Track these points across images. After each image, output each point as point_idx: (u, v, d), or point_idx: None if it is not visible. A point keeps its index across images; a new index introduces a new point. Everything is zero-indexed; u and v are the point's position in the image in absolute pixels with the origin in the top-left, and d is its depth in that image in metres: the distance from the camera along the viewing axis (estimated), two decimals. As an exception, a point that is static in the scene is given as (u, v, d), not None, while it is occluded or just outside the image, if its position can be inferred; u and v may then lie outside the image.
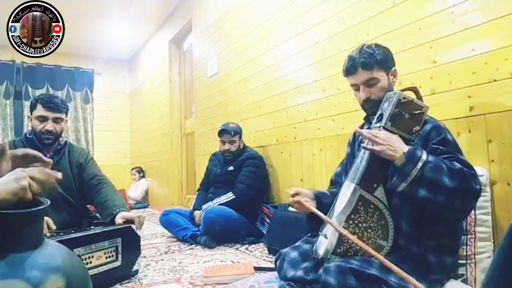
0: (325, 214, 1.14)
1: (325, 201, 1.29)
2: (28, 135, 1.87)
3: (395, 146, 1.04)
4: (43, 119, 1.81)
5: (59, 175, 0.80)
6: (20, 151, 0.85)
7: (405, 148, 1.03)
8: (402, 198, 1.08)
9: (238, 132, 2.64)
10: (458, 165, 1.01)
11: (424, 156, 1.01)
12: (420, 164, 0.99)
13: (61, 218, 1.80)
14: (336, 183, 1.46)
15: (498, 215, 1.35)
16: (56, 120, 1.83)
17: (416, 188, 1.00)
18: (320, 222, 1.19)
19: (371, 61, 1.20)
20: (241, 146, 2.68)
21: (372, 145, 1.07)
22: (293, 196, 1.26)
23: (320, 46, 2.28)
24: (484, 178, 1.31)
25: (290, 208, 2.08)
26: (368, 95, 1.23)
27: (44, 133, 1.81)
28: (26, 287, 0.66)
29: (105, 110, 6.12)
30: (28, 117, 1.90)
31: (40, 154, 0.85)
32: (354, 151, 1.39)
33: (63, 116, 1.87)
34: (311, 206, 1.21)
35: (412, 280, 0.79)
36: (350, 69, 1.25)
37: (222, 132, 2.63)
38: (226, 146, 2.63)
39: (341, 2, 2.11)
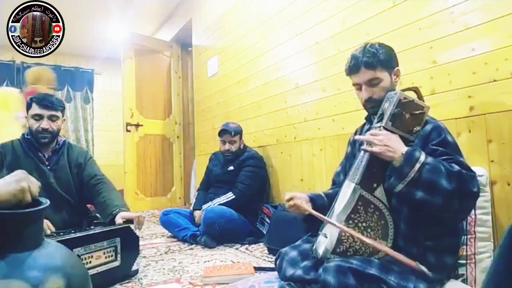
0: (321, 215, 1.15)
1: (319, 202, 1.31)
2: (26, 136, 1.86)
3: (394, 147, 1.04)
4: (38, 117, 1.80)
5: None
6: None
7: (404, 149, 1.03)
8: (400, 199, 1.08)
9: (238, 132, 2.64)
10: (456, 167, 1.01)
11: (422, 157, 1.01)
12: (417, 166, 0.99)
13: (60, 218, 1.80)
14: (335, 183, 1.47)
15: (498, 215, 1.35)
16: (51, 118, 1.82)
17: (413, 190, 1.00)
18: (316, 224, 1.20)
19: (374, 61, 1.19)
20: (242, 146, 2.68)
21: (371, 147, 1.07)
22: (288, 200, 1.27)
23: (320, 46, 2.28)
24: (484, 178, 1.31)
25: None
26: (370, 94, 1.23)
27: (40, 132, 1.80)
28: (26, 287, 0.67)
29: (105, 110, 6.11)
30: (26, 117, 1.89)
31: None
32: (355, 151, 1.39)
33: (58, 114, 1.85)
34: (308, 207, 1.22)
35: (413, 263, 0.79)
36: (352, 68, 1.25)
37: (222, 132, 2.62)
38: (227, 146, 2.63)
39: (341, 2, 2.11)
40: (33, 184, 0.78)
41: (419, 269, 0.89)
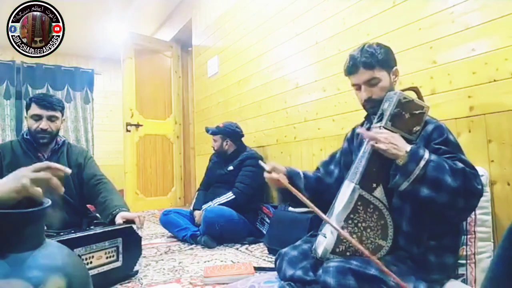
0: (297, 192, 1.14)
1: (297, 183, 1.32)
2: (25, 136, 1.86)
3: (398, 145, 1.04)
4: (37, 117, 1.80)
5: (68, 170, 0.82)
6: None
7: (408, 147, 1.04)
8: (404, 197, 1.08)
9: (217, 132, 2.66)
10: (460, 164, 1.01)
11: (427, 155, 1.01)
12: (422, 163, 0.99)
13: (60, 218, 1.80)
14: (318, 170, 1.49)
15: (498, 215, 1.35)
16: (50, 119, 1.82)
17: (419, 187, 1.00)
18: (291, 194, 1.17)
19: (372, 61, 1.20)
20: (226, 147, 2.67)
21: (376, 143, 1.07)
22: (269, 172, 1.25)
23: (320, 46, 2.28)
24: (484, 178, 1.31)
25: (290, 208, 2.09)
26: (369, 94, 1.23)
27: (39, 132, 1.79)
28: (27, 287, 0.67)
29: (105, 110, 6.11)
30: (25, 117, 1.89)
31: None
32: (352, 148, 1.39)
33: (57, 114, 1.85)
34: (290, 185, 1.19)
35: (402, 283, 0.80)
36: (351, 69, 1.25)
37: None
38: (212, 143, 2.74)
39: (341, 2, 2.12)
40: (36, 176, 0.77)
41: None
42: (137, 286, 1.55)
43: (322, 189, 1.37)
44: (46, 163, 0.80)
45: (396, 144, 1.04)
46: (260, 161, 1.31)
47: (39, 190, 0.76)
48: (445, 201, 0.99)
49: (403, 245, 1.08)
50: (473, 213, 1.28)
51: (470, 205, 1.05)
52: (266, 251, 2.12)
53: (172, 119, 4.66)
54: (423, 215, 1.06)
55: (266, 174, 1.26)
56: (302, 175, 1.37)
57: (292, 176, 1.33)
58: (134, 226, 1.64)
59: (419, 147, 1.04)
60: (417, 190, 1.01)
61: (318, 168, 1.51)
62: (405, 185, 1.02)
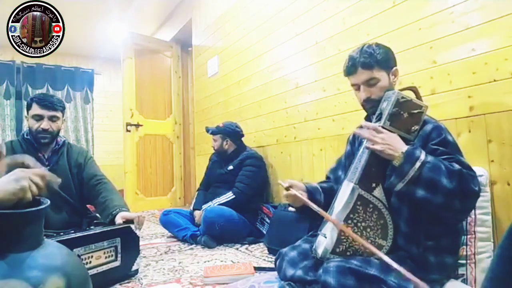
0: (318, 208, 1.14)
1: (317, 197, 1.31)
2: (25, 136, 1.85)
3: (394, 146, 1.04)
4: (38, 117, 1.80)
5: (58, 180, 0.83)
6: (19, 158, 0.86)
7: (404, 147, 1.04)
8: (400, 198, 1.08)
9: (217, 132, 2.68)
10: (457, 166, 1.01)
11: (423, 156, 1.01)
12: (418, 164, 0.99)
13: (60, 218, 1.80)
14: (328, 179, 1.49)
15: (498, 215, 1.35)
16: (51, 119, 1.82)
17: (414, 188, 1.00)
18: (311, 213, 1.17)
19: (371, 61, 1.20)
20: (226, 147, 2.68)
21: (373, 145, 1.07)
22: (287, 189, 1.26)
23: (320, 46, 2.28)
24: (484, 178, 1.31)
25: (290, 208, 2.09)
26: (368, 94, 1.23)
27: (40, 132, 1.79)
28: (26, 287, 0.67)
29: (105, 110, 6.11)
30: (26, 117, 1.89)
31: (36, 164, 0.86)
32: (354, 150, 1.39)
33: (58, 114, 1.85)
34: (306, 199, 1.20)
35: (413, 277, 0.79)
36: (350, 69, 1.25)
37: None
38: (212, 143, 2.74)
39: (341, 2, 2.11)
40: (36, 178, 0.77)
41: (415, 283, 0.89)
42: (137, 286, 1.55)
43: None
44: (42, 172, 0.82)
45: (391, 145, 1.04)
46: (279, 180, 1.32)
47: (36, 192, 0.77)
48: (441, 202, 0.98)
49: (402, 245, 1.07)
50: (473, 213, 1.28)
51: (467, 207, 1.05)
52: (266, 251, 2.12)
53: (172, 119, 4.66)
54: (420, 216, 1.06)
55: (284, 192, 1.26)
56: (320, 190, 1.36)
57: (311, 191, 1.32)
58: (132, 226, 1.64)
59: (415, 148, 1.04)
60: (412, 191, 1.01)
61: (328, 177, 1.50)
62: (400, 186, 1.02)
